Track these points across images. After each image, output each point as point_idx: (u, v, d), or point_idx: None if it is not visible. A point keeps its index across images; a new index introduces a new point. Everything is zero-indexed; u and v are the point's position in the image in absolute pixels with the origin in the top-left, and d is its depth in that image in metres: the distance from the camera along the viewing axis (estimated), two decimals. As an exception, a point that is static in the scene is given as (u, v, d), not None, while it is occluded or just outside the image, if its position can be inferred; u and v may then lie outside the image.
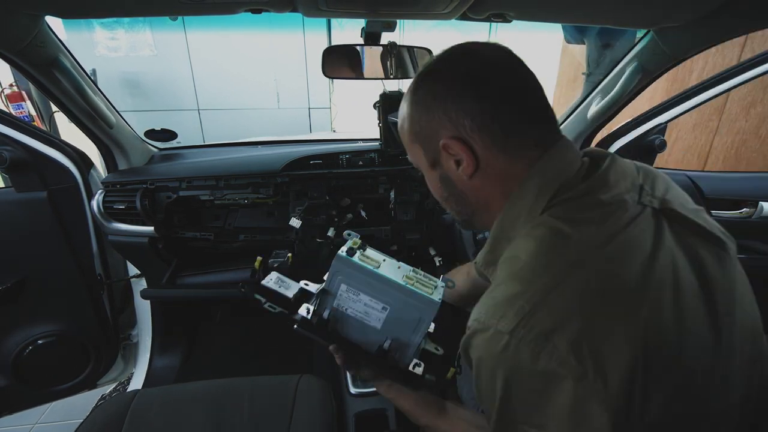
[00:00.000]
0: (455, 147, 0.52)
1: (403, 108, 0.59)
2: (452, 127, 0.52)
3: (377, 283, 0.64)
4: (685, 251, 0.49)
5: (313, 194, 1.27)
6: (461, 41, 0.56)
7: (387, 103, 1.22)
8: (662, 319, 0.42)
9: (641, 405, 0.39)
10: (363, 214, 1.36)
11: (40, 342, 1.29)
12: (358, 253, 0.66)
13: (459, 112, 0.51)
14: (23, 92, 3.17)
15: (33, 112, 3.19)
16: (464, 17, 0.91)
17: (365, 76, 1.12)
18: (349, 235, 0.72)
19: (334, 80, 4.27)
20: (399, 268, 0.68)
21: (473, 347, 0.47)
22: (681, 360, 0.41)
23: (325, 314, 0.67)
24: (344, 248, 0.65)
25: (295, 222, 1.23)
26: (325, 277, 0.67)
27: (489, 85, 0.51)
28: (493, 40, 5.25)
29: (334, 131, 5.49)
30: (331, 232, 1.27)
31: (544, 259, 0.45)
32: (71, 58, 1.05)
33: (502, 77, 0.52)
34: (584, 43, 2.20)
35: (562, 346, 0.39)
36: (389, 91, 1.23)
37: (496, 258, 0.54)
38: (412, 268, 0.69)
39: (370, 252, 0.68)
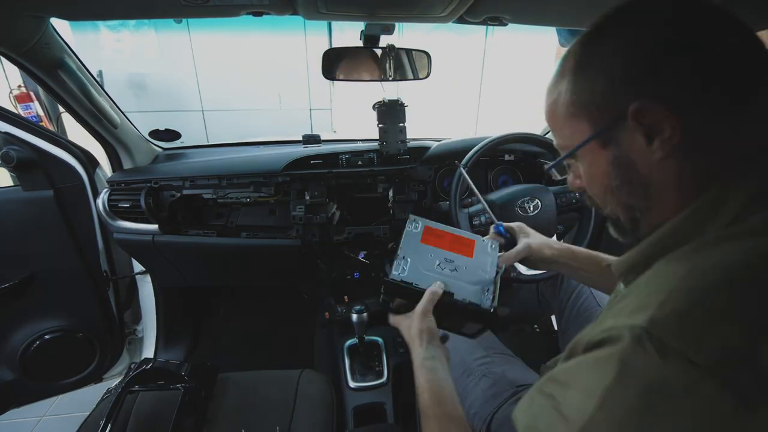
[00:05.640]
0: (653, 113, 0.38)
1: (562, 76, 0.46)
2: (648, 88, 0.39)
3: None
4: None
5: (314, 193, 1.29)
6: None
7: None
8: None
9: None
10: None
11: (47, 337, 1.31)
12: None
13: (666, 66, 0.38)
14: (31, 93, 3.20)
15: (41, 113, 3.22)
16: (461, 20, 0.93)
17: (364, 78, 1.14)
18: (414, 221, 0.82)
19: (335, 82, 4.30)
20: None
21: (617, 366, 0.33)
22: None
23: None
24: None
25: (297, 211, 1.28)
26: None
27: (716, 27, 0.38)
28: (489, 42, 5.31)
29: (335, 132, 5.51)
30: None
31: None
32: (76, 59, 1.07)
33: (740, 32, 0.39)
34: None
35: None
36: (388, 99, 1.25)
37: (649, 263, 0.42)
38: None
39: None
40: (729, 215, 0.38)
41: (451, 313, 0.73)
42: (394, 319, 0.76)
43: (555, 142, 0.51)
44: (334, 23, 4.75)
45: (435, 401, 0.60)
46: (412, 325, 0.70)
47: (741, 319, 0.31)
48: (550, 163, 0.57)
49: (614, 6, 0.43)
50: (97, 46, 4.68)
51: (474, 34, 5.02)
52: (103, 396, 1.09)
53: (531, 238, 0.85)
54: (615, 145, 0.43)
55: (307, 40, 5.06)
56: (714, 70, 0.38)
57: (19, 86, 3.23)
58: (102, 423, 0.85)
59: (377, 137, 1.31)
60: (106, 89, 1.19)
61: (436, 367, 0.64)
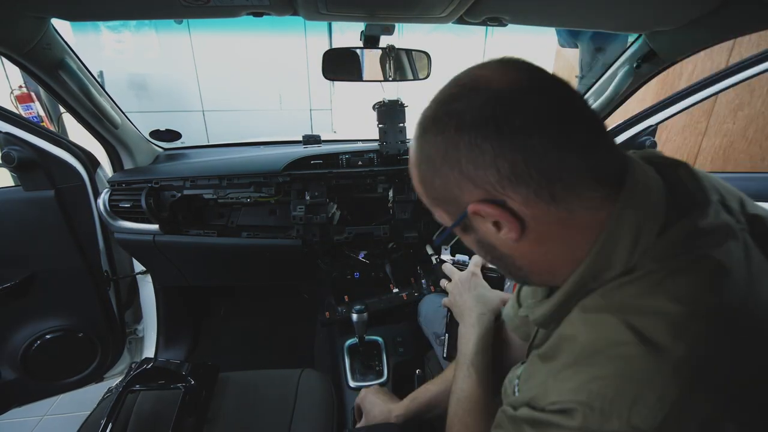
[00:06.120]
0: (488, 211, 0.40)
1: (412, 164, 0.47)
2: (477, 187, 0.40)
3: None
4: None
5: (314, 193, 1.30)
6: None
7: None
8: None
9: None
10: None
11: (48, 336, 1.32)
12: None
13: (479, 168, 0.39)
14: (32, 93, 3.21)
15: (42, 113, 3.23)
16: (461, 21, 0.93)
17: (364, 78, 1.14)
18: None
19: (335, 82, 4.30)
20: None
21: None
22: None
23: None
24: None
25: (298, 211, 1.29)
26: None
27: (509, 122, 0.38)
28: (489, 43, 5.30)
29: (335, 132, 5.51)
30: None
31: (685, 310, 0.34)
32: (77, 60, 1.07)
33: (523, 107, 0.38)
34: (577, 47, 2.23)
35: None
36: (388, 100, 1.25)
37: (563, 315, 0.44)
38: None
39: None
40: (623, 259, 0.39)
41: None
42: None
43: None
44: (334, 24, 4.76)
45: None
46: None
47: (671, 371, 0.32)
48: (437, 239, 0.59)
49: (425, 115, 0.44)
50: (97, 47, 4.69)
51: (474, 34, 5.03)
52: (104, 395, 1.09)
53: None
54: (473, 231, 0.46)
55: (308, 40, 5.06)
56: (520, 165, 0.38)
57: (20, 86, 3.24)
58: (103, 422, 0.85)
59: (377, 137, 1.31)
60: (106, 89, 1.20)
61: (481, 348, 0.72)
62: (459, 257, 1.04)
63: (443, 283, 0.90)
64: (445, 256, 1.15)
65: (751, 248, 0.39)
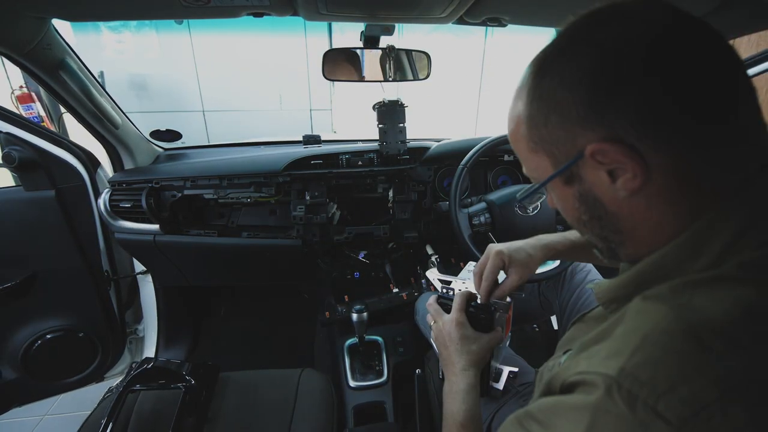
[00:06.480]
0: (612, 153, 0.36)
1: (518, 106, 0.43)
2: (604, 125, 0.36)
3: None
4: None
5: (314, 193, 1.30)
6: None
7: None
8: None
9: None
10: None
11: (48, 336, 1.32)
12: None
13: (616, 101, 0.35)
14: (33, 93, 3.23)
15: (42, 113, 3.24)
16: (461, 21, 0.93)
17: (365, 78, 1.14)
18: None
19: (335, 82, 4.32)
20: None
21: (592, 416, 0.33)
22: None
23: None
24: None
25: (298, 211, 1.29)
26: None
27: (659, 52, 0.34)
28: (489, 43, 5.31)
29: (335, 132, 5.52)
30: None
31: (749, 320, 0.31)
32: (78, 60, 1.08)
33: (676, 41, 0.34)
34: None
35: None
36: (388, 100, 1.25)
37: (630, 296, 0.40)
38: None
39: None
40: (712, 255, 0.35)
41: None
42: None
43: (523, 170, 0.48)
44: (334, 24, 4.76)
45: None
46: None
47: (714, 374, 0.30)
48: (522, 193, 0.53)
49: (546, 49, 0.41)
50: (98, 47, 4.70)
51: (474, 34, 5.03)
52: (105, 395, 1.10)
53: (513, 252, 0.75)
54: (578, 181, 0.41)
55: (308, 40, 5.07)
56: (686, 93, 0.34)
57: (21, 87, 3.25)
58: (103, 422, 0.86)
59: (377, 137, 1.32)
60: (107, 90, 1.20)
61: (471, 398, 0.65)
62: (445, 292, 0.89)
63: (429, 319, 0.77)
64: (431, 274, 1.05)
65: None
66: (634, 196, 0.37)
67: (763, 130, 0.36)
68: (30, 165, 1.19)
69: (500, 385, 0.83)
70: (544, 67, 0.40)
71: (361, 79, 1.15)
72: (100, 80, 1.17)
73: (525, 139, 0.43)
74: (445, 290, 0.85)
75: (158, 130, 1.47)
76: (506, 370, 0.86)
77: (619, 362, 0.33)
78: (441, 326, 0.72)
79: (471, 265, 0.96)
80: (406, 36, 4.75)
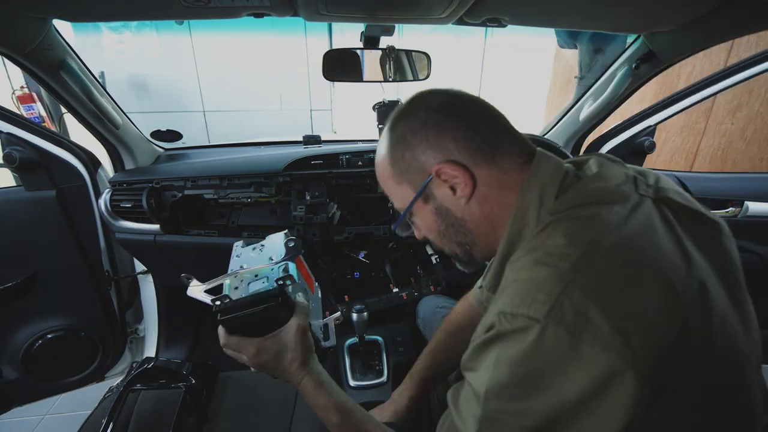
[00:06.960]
0: (449, 170, 0.52)
1: (382, 151, 0.59)
2: (439, 153, 0.53)
3: None
4: (690, 234, 0.50)
5: (314, 193, 1.30)
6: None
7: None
8: (695, 295, 0.43)
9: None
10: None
11: (49, 336, 1.32)
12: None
13: (442, 137, 0.53)
14: (34, 94, 3.23)
15: (43, 113, 3.24)
16: (461, 22, 0.93)
17: (364, 79, 1.14)
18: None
19: (335, 83, 4.33)
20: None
21: (497, 346, 0.44)
22: (714, 337, 0.43)
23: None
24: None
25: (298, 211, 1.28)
26: None
27: (463, 109, 0.54)
28: (489, 43, 5.31)
29: (335, 132, 5.52)
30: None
31: (570, 241, 0.45)
32: (78, 60, 1.08)
33: (471, 104, 0.55)
34: (577, 48, 2.23)
35: (604, 327, 0.38)
36: (387, 100, 1.25)
37: (503, 271, 0.53)
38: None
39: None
40: (533, 217, 0.52)
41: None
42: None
43: (394, 205, 0.62)
44: (334, 24, 4.76)
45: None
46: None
47: (558, 276, 0.42)
48: (394, 225, 0.67)
49: (398, 108, 0.58)
50: (99, 47, 4.71)
51: (473, 35, 5.04)
52: (105, 395, 1.10)
53: None
54: (433, 199, 0.57)
55: (308, 41, 5.07)
56: (472, 133, 0.53)
57: (22, 87, 3.26)
58: (104, 422, 0.86)
59: (377, 137, 1.32)
60: (107, 90, 1.20)
61: (331, 382, 0.69)
62: (219, 303, 0.66)
63: (234, 356, 0.68)
64: (193, 291, 0.80)
65: (639, 209, 0.49)
66: (470, 201, 0.55)
67: (517, 138, 0.56)
68: (31, 165, 1.19)
69: (332, 340, 0.76)
70: (395, 122, 0.57)
71: (361, 80, 1.14)
72: (100, 80, 1.17)
73: (390, 176, 0.59)
74: (219, 302, 0.65)
75: (159, 131, 1.47)
76: (331, 320, 0.78)
77: (503, 301, 0.45)
78: (253, 356, 0.65)
79: (238, 247, 0.83)
80: (406, 36, 4.76)
